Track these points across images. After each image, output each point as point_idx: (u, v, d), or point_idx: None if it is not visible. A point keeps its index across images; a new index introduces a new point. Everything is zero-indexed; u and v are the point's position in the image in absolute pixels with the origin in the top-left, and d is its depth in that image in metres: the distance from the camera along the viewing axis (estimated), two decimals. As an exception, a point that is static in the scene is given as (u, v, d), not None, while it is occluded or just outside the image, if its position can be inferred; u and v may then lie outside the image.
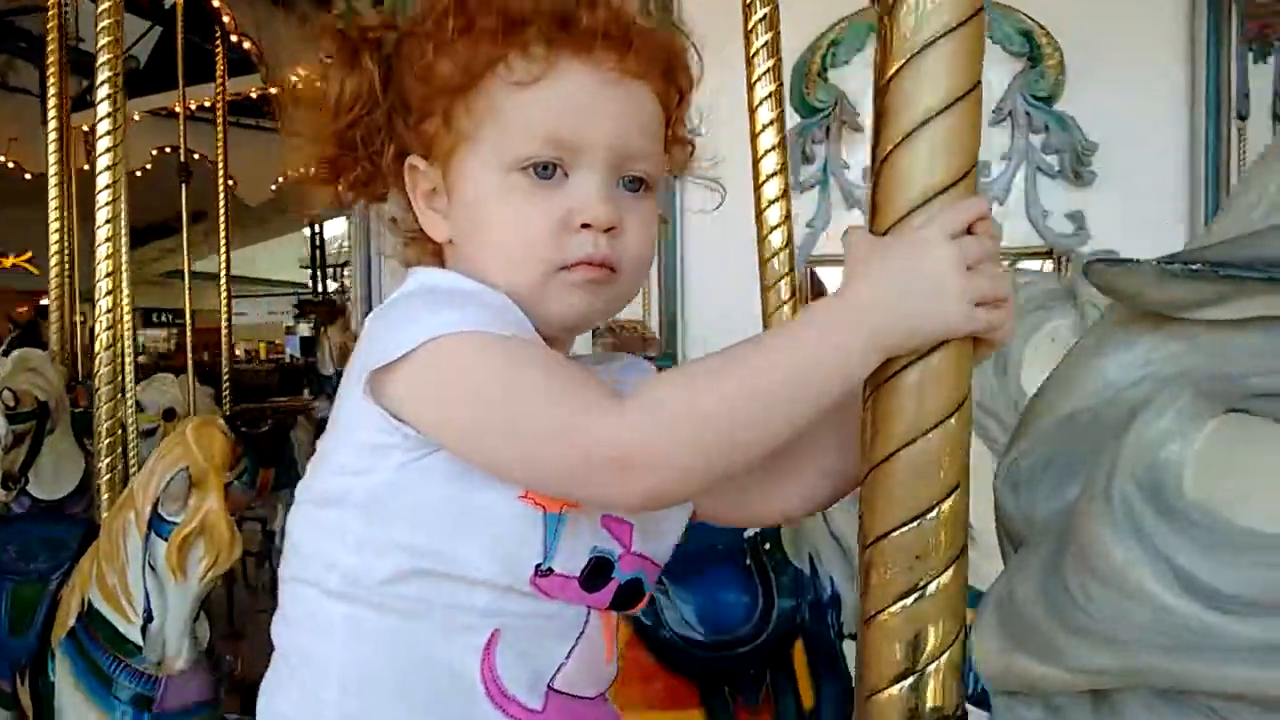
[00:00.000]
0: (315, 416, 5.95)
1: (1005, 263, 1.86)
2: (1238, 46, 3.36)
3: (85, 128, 3.80)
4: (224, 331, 6.33)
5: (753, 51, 2.23)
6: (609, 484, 0.79)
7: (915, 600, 0.73)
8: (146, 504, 2.55)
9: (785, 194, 2.27)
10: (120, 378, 3.10)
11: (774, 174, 2.25)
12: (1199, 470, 0.72)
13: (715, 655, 2.16)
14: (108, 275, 2.96)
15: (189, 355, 5.78)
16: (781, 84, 2.27)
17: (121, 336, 3.38)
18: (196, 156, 6.68)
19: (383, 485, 0.87)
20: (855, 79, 3.46)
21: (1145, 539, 0.71)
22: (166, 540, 2.50)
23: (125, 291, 4.49)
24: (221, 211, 6.17)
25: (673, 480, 0.78)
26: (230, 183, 6.32)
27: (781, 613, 2.15)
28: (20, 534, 3.11)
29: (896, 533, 0.73)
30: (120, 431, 3.05)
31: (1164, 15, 3.41)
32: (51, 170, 4.27)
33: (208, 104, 6.84)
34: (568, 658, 0.93)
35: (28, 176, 8.01)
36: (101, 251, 2.96)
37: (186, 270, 6.16)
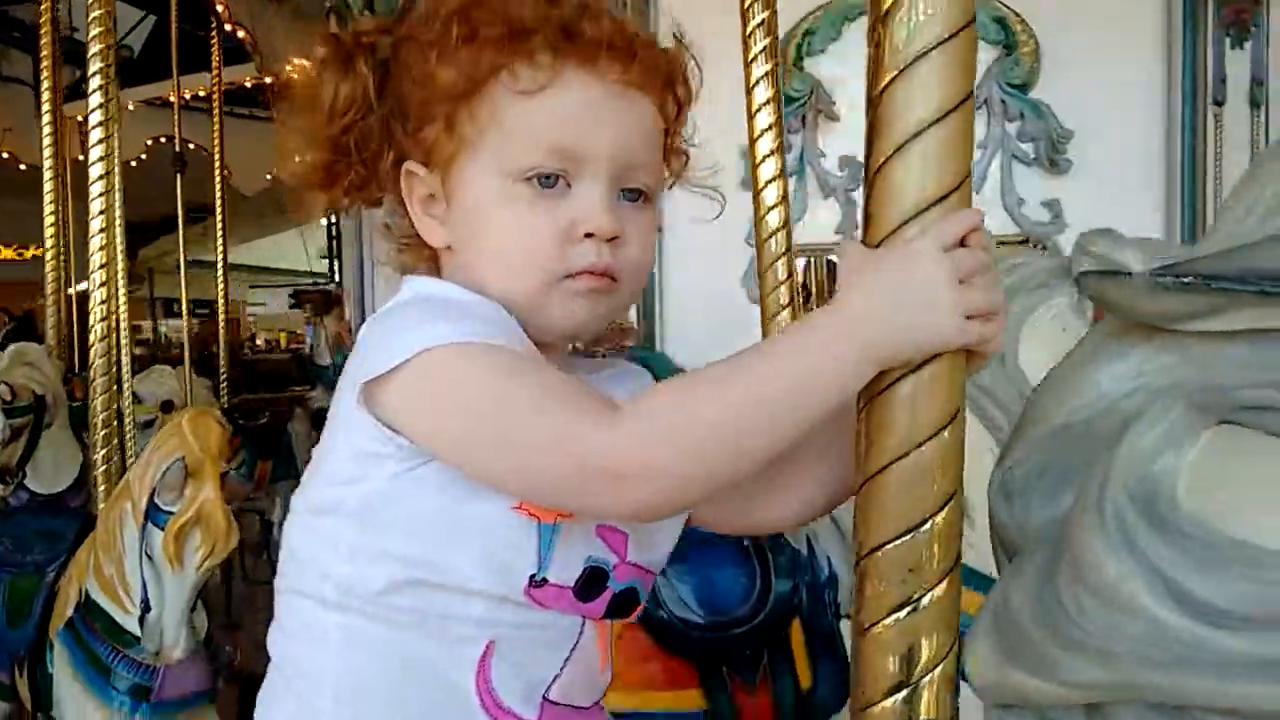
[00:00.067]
0: (312, 407, 5.92)
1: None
2: (1214, 32, 3.31)
3: (79, 118, 3.77)
4: (221, 323, 6.29)
5: (751, 56, 2.21)
6: (603, 494, 0.78)
7: (909, 613, 0.72)
8: (143, 494, 2.54)
9: (784, 199, 2.25)
10: (116, 369, 3.08)
11: (773, 179, 2.24)
12: (1191, 482, 0.72)
13: (713, 636, 2.15)
14: (102, 266, 2.93)
15: (186, 346, 5.76)
16: (779, 88, 2.25)
17: (116, 328, 3.36)
18: (192, 146, 6.65)
19: (376, 495, 0.87)
20: (831, 68, 3.41)
21: (1138, 552, 0.70)
22: (163, 530, 2.49)
23: (121, 282, 4.48)
24: (219, 203, 6.09)
25: (666, 491, 0.78)
26: (225, 173, 6.29)
27: (779, 593, 2.14)
28: (17, 526, 3.10)
29: (890, 545, 0.72)
30: (116, 423, 3.02)
31: (1140, 2, 3.37)
32: (46, 161, 4.25)
33: (202, 93, 6.80)
34: (563, 668, 0.92)
35: (23, 167, 7.99)
36: (95, 243, 2.93)
37: (183, 262, 6.10)
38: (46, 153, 4.27)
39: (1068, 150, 3.30)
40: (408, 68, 0.94)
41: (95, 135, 2.91)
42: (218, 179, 6.09)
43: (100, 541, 2.64)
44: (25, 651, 2.77)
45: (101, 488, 2.88)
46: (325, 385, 5.77)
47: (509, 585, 0.87)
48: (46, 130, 4.30)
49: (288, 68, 1.01)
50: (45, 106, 4.33)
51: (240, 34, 6.57)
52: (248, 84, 6.69)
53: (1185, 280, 0.69)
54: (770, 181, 2.22)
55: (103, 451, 2.90)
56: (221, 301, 6.29)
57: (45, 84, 4.41)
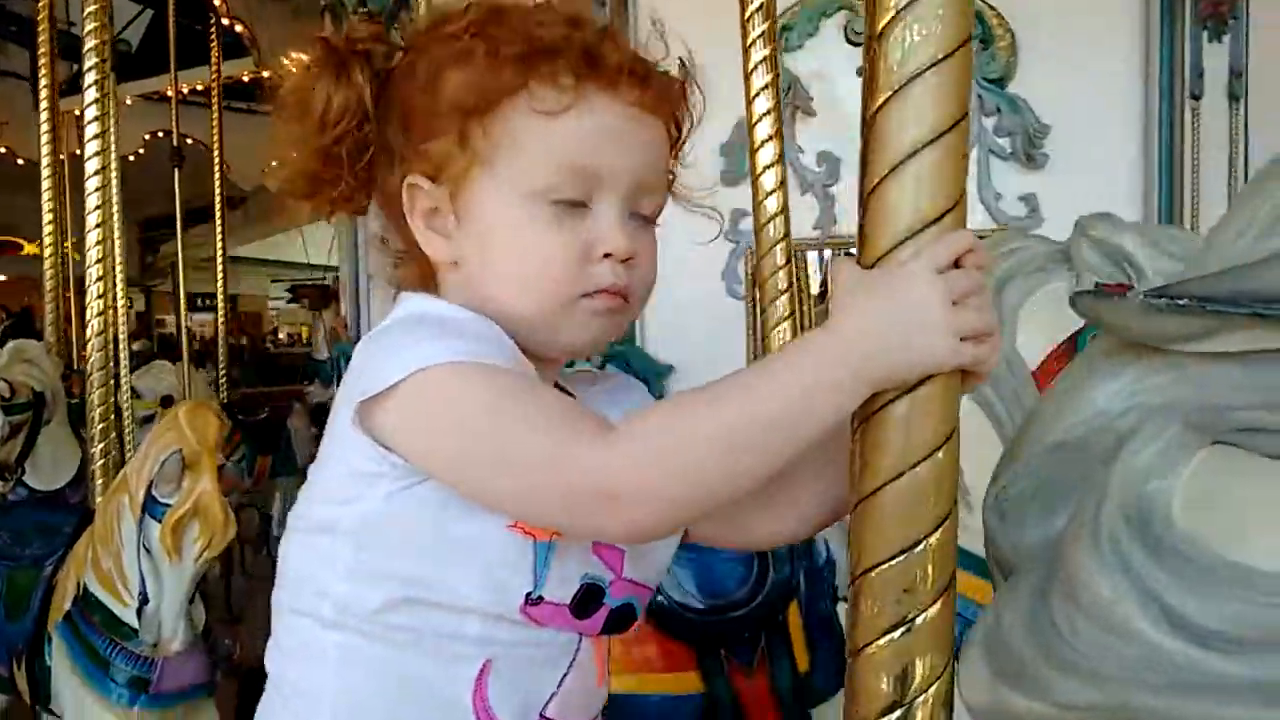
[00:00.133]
0: (310, 402, 5.93)
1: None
2: (1191, 26, 3.27)
3: (77, 112, 3.73)
4: (220, 318, 6.26)
5: (749, 41, 2.19)
6: (596, 515, 0.77)
7: (903, 634, 0.71)
8: (140, 487, 2.52)
9: (783, 184, 2.23)
10: (113, 363, 3.07)
11: (771, 164, 2.22)
12: (1186, 503, 0.71)
13: (710, 619, 2.15)
14: (98, 261, 2.91)
15: (184, 341, 5.74)
16: (781, 122, 2.23)
17: (114, 323, 3.34)
18: (190, 141, 6.61)
19: (372, 514, 0.86)
20: (808, 63, 3.35)
21: (1132, 573, 0.69)
22: (161, 522, 2.47)
23: (119, 276, 4.46)
24: (218, 198, 6.05)
25: (659, 512, 0.77)
26: (225, 168, 6.24)
27: (777, 577, 2.14)
28: (15, 520, 3.08)
29: (884, 566, 0.71)
30: (114, 417, 3.00)
31: (1116, -4, 3.40)
32: (44, 156, 4.22)
33: (200, 87, 6.75)
34: (560, 684, 0.91)
35: (20, 162, 7.94)
36: (92, 238, 2.91)
37: (180, 257, 6.09)
38: (44, 146, 4.25)
39: (1044, 145, 3.26)
40: (415, 79, 0.91)
41: (91, 130, 2.89)
42: (217, 174, 6.05)
43: (98, 535, 2.63)
44: (24, 645, 2.77)
45: (99, 481, 2.87)
46: (323, 380, 5.77)
47: (505, 603, 0.86)
48: (44, 125, 4.28)
49: (284, 64, 0.96)
50: (43, 101, 4.31)
51: (238, 28, 6.55)
52: (245, 78, 6.64)
53: (1179, 302, 0.69)
54: (771, 192, 2.20)
55: (100, 445, 2.89)
56: (221, 297, 6.26)
57: (43, 78, 4.39)
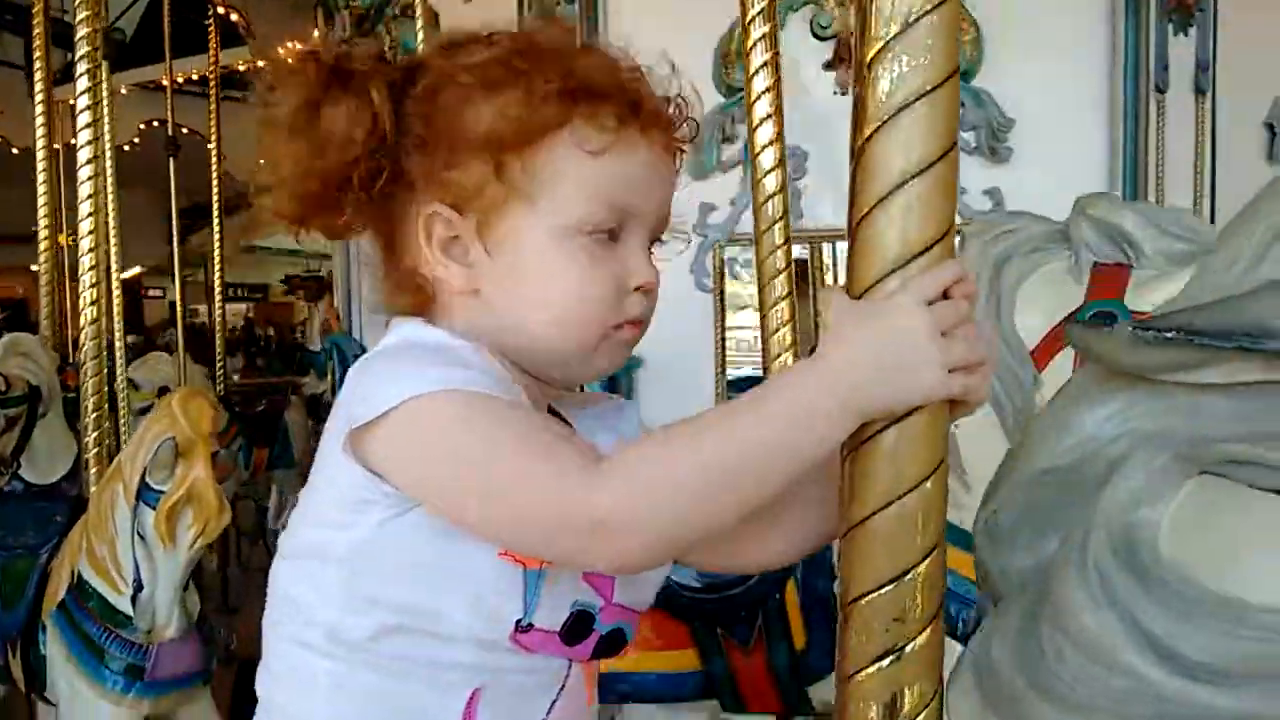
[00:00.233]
0: (305, 394, 5.95)
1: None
2: (1157, 19, 3.27)
3: (71, 101, 3.76)
4: (219, 311, 6.25)
5: (750, 44, 2.22)
6: (586, 547, 0.77)
7: (892, 662, 0.72)
8: (134, 475, 2.55)
9: (783, 188, 2.25)
10: (106, 353, 3.12)
11: (772, 168, 2.26)
12: (1174, 532, 0.72)
13: (708, 598, 2.17)
14: (90, 250, 2.93)
15: (179, 332, 5.80)
16: (781, 99, 2.25)
17: (107, 312, 3.39)
18: (185, 131, 6.65)
19: (363, 541, 0.86)
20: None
21: (1119, 604, 0.70)
22: (155, 509, 2.51)
23: (115, 266, 4.50)
24: (215, 189, 6.00)
25: (648, 544, 0.77)
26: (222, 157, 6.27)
27: (775, 557, 2.17)
28: (9, 511, 3.10)
29: (874, 594, 0.72)
30: (107, 406, 3.03)
31: (1081, -11, 3.33)
32: (39, 146, 4.25)
33: (196, 77, 6.79)
34: (550, 711, 0.92)
35: (14, 151, 8.00)
36: (84, 227, 2.93)
37: (176, 250, 6.13)
38: (39, 136, 4.28)
39: (1009, 138, 3.26)
40: (438, 105, 0.89)
41: (83, 119, 2.90)
42: (214, 164, 6.00)
43: (92, 523, 2.66)
44: (18, 633, 2.79)
45: (93, 471, 2.89)
46: (317, 371, 5.81)
47: (496, 631, 0.86)
48: (39, 114, 4.31)
49: (279, 67, 0.93)
50: (38, 90, 4.33)
51: (234, 17, 6.60)
52: (241, 68, 6.69)
53: (1167, 335, 0.69)
54: (769, 172, 2.22)
55: (94, 434, 2.91)
56: (219, 289, 6.27)
57: (38, 67, 4.42)
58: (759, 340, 2.40)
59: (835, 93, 3.30)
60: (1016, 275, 1.67)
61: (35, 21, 4.37)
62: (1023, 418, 1.60)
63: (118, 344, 4.35)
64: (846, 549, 0.74)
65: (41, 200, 4.14)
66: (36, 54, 4.35)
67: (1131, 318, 1.54)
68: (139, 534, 2.56)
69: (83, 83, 2.92)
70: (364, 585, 0.86)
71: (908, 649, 0.72)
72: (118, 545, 2.60)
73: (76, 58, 2.95)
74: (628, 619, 0.94)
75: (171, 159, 5.85)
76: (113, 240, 4.31)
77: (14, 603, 2.83)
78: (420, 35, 3.21)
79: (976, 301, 0.74)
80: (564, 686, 0.92)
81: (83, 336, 2.93)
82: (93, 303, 2.93)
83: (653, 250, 0.96)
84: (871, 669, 0.72)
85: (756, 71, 2.24)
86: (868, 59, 0.68)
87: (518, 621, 0.86)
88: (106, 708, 2.61)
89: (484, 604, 0.85)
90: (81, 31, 2.93)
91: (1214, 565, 0.70)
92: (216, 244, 6.08)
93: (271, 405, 5.88)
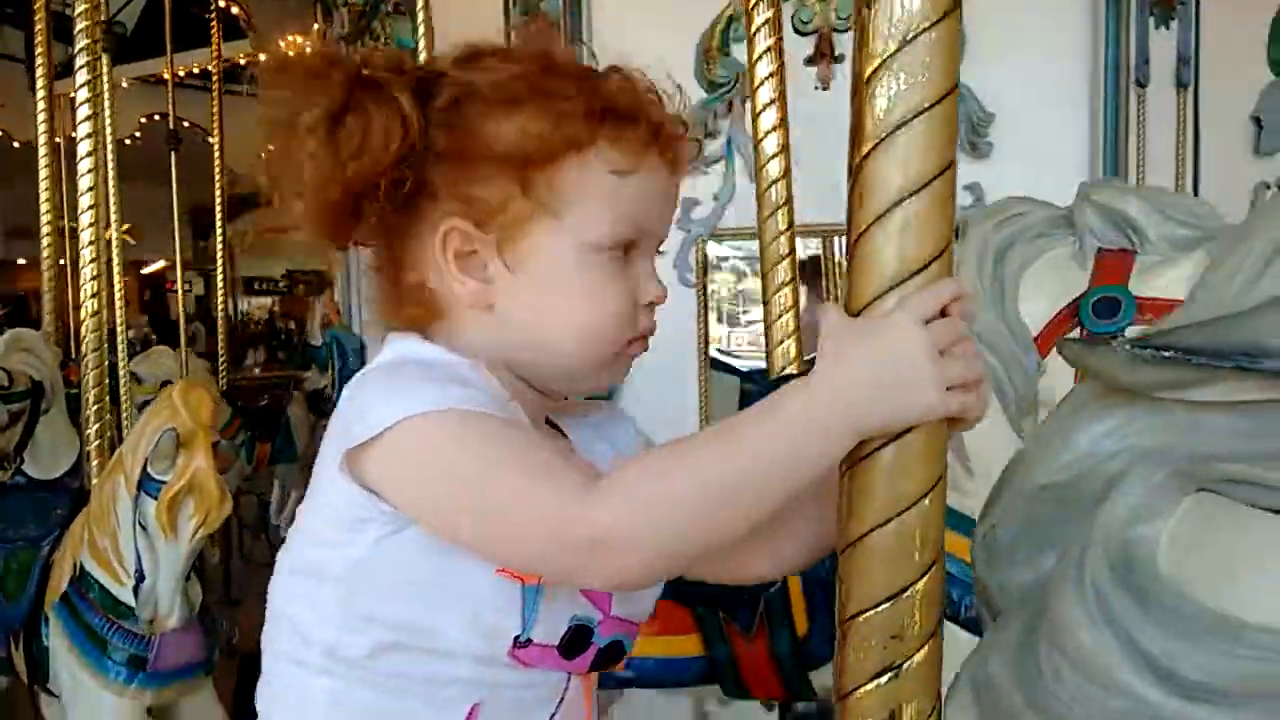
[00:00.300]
0: (306, 389, 5.97)
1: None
2: (1138, 13, 3.26)
3: (72, 95, 3.77)
4: (221, 305, 6.29)
5: (755, 56, 2.23)
6: (583, 566, 0.78)
7: (890, 679, 0.72)
8: (136, 466, 2.56)
9: (786, 173, 2.25)
10: (108, 345, 3.16)
11: (778, 179, 2.26)
12: (1171, 550, 0.72)
13: (710, 583, 2.19)
14: (91, 243, 2.95)
15: (181, 327, 5.85)
16: (784, 85, 2.25)
17: (107, 305, 3.42)
18: (187, 125, 6.68)
19: (360, 558, 0.85)
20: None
21: (1115, 623, 0.70)
22: (156, 499, 2.53)
23: (116, 260, 4.54)
24: (218, 182, 6.04)
25: (646, 562, 0.77)
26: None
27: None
28: (11, 504, 3.11)
29: (872, 612, 0.72)
30: (108, 398, 3.04)
31: (1062, -17, 3.29)
32: (41, 139, 4.27)
33: (196, 70, 6.83)
34: None
35: (16, 145, 8.07)
36: (85, 219, 2.95)
37: (177, 243, 6.18)
38: (41, 130, 4.30)
39: (989, 133, 3.26)
40: (460, 118, 0.89)
41: (82, 112, 2.91)
42: (217, 158, 6.00)
43: (94, 515, 2.67)
44: (21, 625, 2.81)
45: (95, 463, 2.91)
46: (319, 366, 5.84)
47: (494, 647, 0.86)
48: (41, 108, 4.33)
49: (282, 71, 0.91)
50: (39, 84, 4.36)
51: (235, 10, 6.64)
52: (242, 61, 6.72)
53: (1164, 354, 0.69)
54: (775, 182, 2.22)
55: (96, 426, 2.93)
56: (221, 282, 6.36)
57: (39, 60, 4.44)
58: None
59: (816, 88, 3.30)
60: (1020, 261, 1.67)
61: (36, 15, 4.40)
62: (1025, 404, 1.60)
63: (120, 337, 4.40)
64: (844, 566, 0.74)
65: (44, 195, 4.14)
66: (38, 48, 4.37)
67: (1135, 303, 1.55)
68: (140, 525, 2.57)
69: (82, 76, 2.93)
70: (361, 603, 0.86)
71: (906, 666, 0.72)
72: (119, 536, 2.61)
73: (75, 51, 2.95)
74: (626, 631, 0.94)
75: (173, 153, 5.87)
76: (114, 234, 4.34)
77: (16, 595, 2.85)
78: (421, 31, 3.22)
79: (975, 315, 0.74)
80: (563, 699, 0.92)
81: (84, 329, 2.95)
82: (93, 295, 2.95)
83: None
84: (869, 686, 0.73)
85: (759, 57, 2.24)
86: (865, 76, 0.67)
87: (516, 637, 0.86)
88: (109, 699, 2.62)
89: (482, 620, 0.85)
90: (81, 24, 2.93)
91: (1211, 584, 0.70)
92: (219, 239, 6.11)
93: (274, 400, 5.92)
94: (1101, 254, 1.61)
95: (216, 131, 6.10)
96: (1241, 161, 3.54)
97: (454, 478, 0.81)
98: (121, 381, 4.37)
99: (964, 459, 1.55)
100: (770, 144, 2.27)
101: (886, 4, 0.66)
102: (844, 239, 0.75)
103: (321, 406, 5.59)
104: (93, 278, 2.97)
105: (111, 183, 4.30)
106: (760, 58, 2.24)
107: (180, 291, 6.59)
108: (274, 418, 5.61)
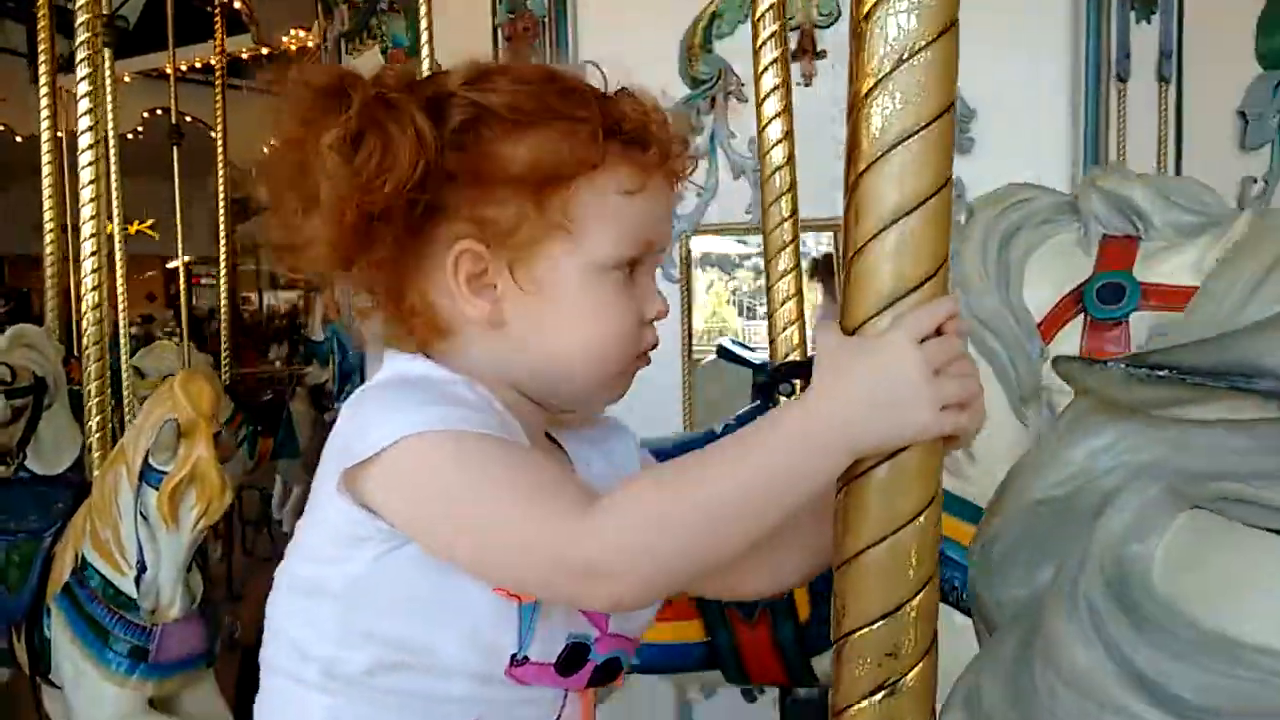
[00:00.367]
0: (308, 384, 5.99)
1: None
2: (1119, 7, 3.26)
3: (73, 89, 3.78)
4: (224, 301, 6.30)
5: (759, 42, 2.23)
6: (580, 587, 0.78)
7: (885, 696, 0.72)
8: (137, 457, 2.57)
9: (793, 186, 2.26)
10: (111, 338, 3.19)
11: (781, 165, 2.26)
12: (1166, 567, 0.71)
13: None
14: (92, 236, 2.97)
15: (183, 323, 5.89)
16: (789, 71, 2.25)
17: (106, 299, 3.45)
18: (189, 119, 6.70)
19: (359, 576, 0.86)
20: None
21: (1109, 642, 0.70)
22: (158, 490, 2.53)
23: (120, 251, 4.58)
24: (220, 176, 6.06)
25: (642, 584, 0.77)
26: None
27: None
28: (13, 496, 3.13)
29: (867, 629, 0.72)
30: (109, 391, 3.07)
31: (1043, -25, 3.25)
32: (44, 134, 4.29)
33: (199, 65, 6.86)
34: None
35: (18, 139, 8.13)
36: (86, 212, 2.97)
37: (179, 237, 6.20)
38: (44, 124, 4.32)
39: (970, 129, 3.27)
40: (477, 141, 0.88)
41: (83, 105, 2.94)
42: (220, 153, 6.02)
43: (95, 506, 2.68)
44: (23, 617, 2.82)
45: (96, 454, 2.93)
46: (320, 361, 5.87)
47: (491, 664, 0.86)
48: (44, 103, 4.35)
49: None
50: (43, 78, 4.30)
51: (237, 4, 6.68)
52: (244, 55, 6.75)
53: (1159, 374, 0.69)
54: (778, 169, 2.22)
55: (97, 418, 2.95)
56: (223, 276, 6.39)
57: (42, 55, 4.47)
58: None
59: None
60: (1025, 247, 1.67)
61: (39, 9, 4.43)
62: (1029, 390, 1.61)
63: (122, 332, 4.44)
64: (840, 583, 0.74)
65: (46, 190, 4.16)
66: (40, 42, 4.40)
67: (1140, 289, 1.56)
68: (142, 515, 2.58)
69: (83, 69, 2.94)
70: (359, 620, 0.86)
71: (901, 684, 0.72)
72: (121, 527, 2.62)
73: (76, 44, 2.96)
74: (623, 647, 0.94)
75: (175, 147, 5.91)
76: (117, 228, 4.38)
77: (18, 586, 2.87)
78: (425, 32, 3.25)
79: (969, 334, 0.73)
80: (560, 715, 0.92)
81: (85, 321, 2.97)
82: (94, 288, 2.97)
83: None
84: (864, 704, 0.73)
85: (764, 43, 2.23)
86: (861, 93, 0.67)
87: (513, 655, 0.86)
88: (111, 689, 2.64)
89: (479, 638, 0.85)
90: (81, 18, 2.95)
91: (1207, 602, 0.69)
92: (223, 234, 6.15)
93: (276, 395, 5.97)
94: (1106, 240, 1.62)
95: (219, 126, 6.10)
96: (1228, 156, 3.53)
97: (452, 498, 0.81)
98: (124, 376, 4.40)
99: (968, 448, 1.57)
100: (774, 130, 2.28)
101: (883, 23, 0.66)
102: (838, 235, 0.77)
103: (323, 401, 5.63)
104: (93, 270, 3.00)
105: (114, 178, 4.32)
106: (764, 43, 2.24)
107: (183, 286, 6.60)
108: (276, 413, 5.64)
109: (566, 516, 0.77)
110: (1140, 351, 0.74)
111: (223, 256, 6.24)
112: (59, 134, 4.48)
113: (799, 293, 2.33)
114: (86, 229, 2.98)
